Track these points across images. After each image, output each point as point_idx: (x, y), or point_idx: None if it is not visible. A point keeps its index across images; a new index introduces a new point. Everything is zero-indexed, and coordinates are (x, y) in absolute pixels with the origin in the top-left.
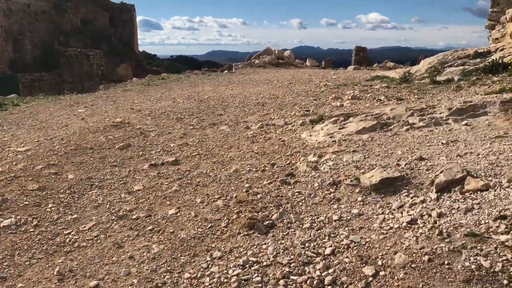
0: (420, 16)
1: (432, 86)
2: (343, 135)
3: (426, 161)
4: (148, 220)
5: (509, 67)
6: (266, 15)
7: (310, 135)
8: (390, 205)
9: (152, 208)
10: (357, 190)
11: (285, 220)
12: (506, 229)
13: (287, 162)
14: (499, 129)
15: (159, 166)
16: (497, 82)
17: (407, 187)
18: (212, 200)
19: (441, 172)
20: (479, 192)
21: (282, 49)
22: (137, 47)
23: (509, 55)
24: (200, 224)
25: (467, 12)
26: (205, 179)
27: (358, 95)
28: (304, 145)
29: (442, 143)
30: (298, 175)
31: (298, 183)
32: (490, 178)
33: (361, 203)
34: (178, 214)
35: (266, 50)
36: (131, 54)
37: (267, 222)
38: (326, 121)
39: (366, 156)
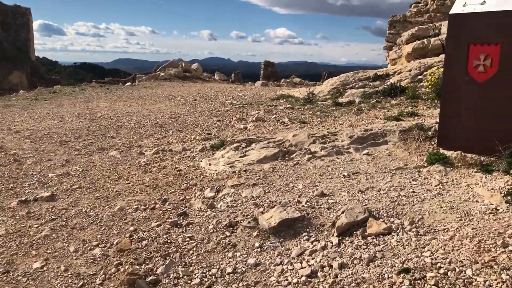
0: (324, 33)
1: (334, 108)
2: (244, 164)
3: (327, 197)
4: (5, 278)
5: (406, 91)
6: (175, 25)
7: (210, 164)
8: (290, 252)
9: (13, 260)
10: (254, 234)
11: (171, 275)
12: (410, 286)
13: (181, 198)
14: (399, 159)
15: (31, 202)
16: (396, 106)
17: (307, 229)
18: (88, 248)
19: (343, 212)
20: (381, 236)
21: (192, 60)
22: (33, 53)
23: (405, 79)
24: (70, 281)
25: (366, 31)
26: (84, 219)
27: (263, 117)
28: (202, 176)
29: (343, 175)
30: (192, 214)
31: (191, 225)
32: (392, 219)
33: (259, 249)
34: (45, 268)
35: (172, 63)
36: (25, 60)
37: (151, 277)
38: (228, 147)
39: (267, 191)
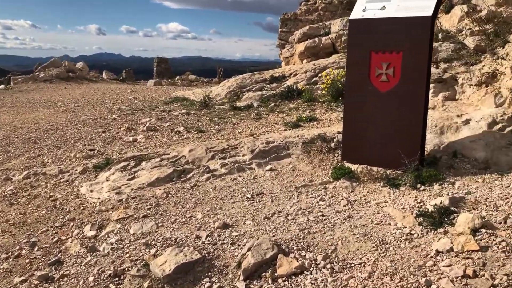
0: (217, 28)
1: (232, 113)
2: (132, 189)
3: (230, 229)
4: None
5: (303, 94)
6: (59, 19)
7: (92, 190)
8: None
9: None
10: (146, 285)
11: None
12: None
13: (55, 239)
14: (304, 174)
15: None
16: (294, 110)
17: (209, 273)
18: None
19: (249, 249)
20: (293, 277)
21: (80, 56)
22: None
23: (301, 81)
24: None
25: (258, 27)
26: None
27: (155, 125)
28: (82, 207)
29: (247, 197)
30: (67, 262)
31: (66, 278)
32: (304, 253)
33: None
34: None
35: (54, 62)
36: None
37: None
38: (114, 167)
39: (160, 224)
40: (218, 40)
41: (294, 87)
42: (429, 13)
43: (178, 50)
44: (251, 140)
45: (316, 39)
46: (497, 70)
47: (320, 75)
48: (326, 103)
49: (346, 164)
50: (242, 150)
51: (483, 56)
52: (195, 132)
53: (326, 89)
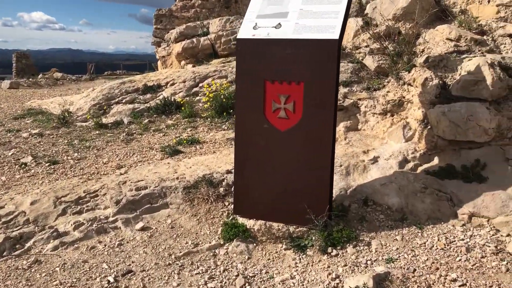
0: (88, 19)
1: (97, 132)
2: None
3: None
4: None
5: (182, 108)
6: None
7: None
8: None
9: None
10: None
11: None
12: None
13: None
14: (187, 234)
15: None
16: (172, 127)
17: None
18: None
19: None
20: None
21: None
22: None
23: (180, 91)
24: None
25: (132, 19)
26: None
27: None
28: None
29: (108, 281)
30: None
31: None
32: None
33: None
34: None
35: None
36: None
37: None
38: None
39: None
40: (89, 31)
41: (172, 99)
42: (336, 35)
43: (45, 41)
44: (116, 184)
45: (194, 40)
46: (404, 97)
47: (201, 85)
48: (209, 119)
49: (240, 220)
50: (104, 200)
51: (386, 80)
52: (46, 165)
53: (208, 103)
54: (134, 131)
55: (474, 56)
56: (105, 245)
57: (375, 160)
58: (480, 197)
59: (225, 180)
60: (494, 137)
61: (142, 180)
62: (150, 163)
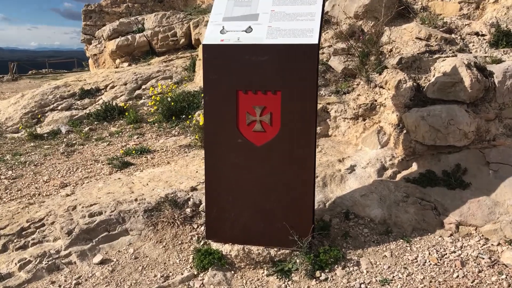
0: (5, 14)
1: (33, 145)
2: None
3: None
4: None
5: (126, 113)
6: None
7: None
8: None
9: None
10: None
11: None
12: None
13: None
14: (154, 265)
15: None
16: (117, 135)
17: None
18: None
19: None
20: None
21: None
22: None
23: (121, 95)
24: None
25: (56, 14)
26: None
27: None
28: None
29: None
30: None
31: None
32: None
33: None
34: None
35: None
36: None
37: None
38: None
39: None
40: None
41: (114, 103)
42: (314, 39)
43: None
44: (64, 210)
45: (129, 37)
46: (376, 101)
47: (144, 87)
48: (156, 124)
49: (214, 245)
50: (53, 230)
51: (355, 83)
52: None
53: (155, 107)
54: (74, 142)
55: (447, 56)
56: (59, 286)
57: (352, 169)
58: (465, 205)
59: (191, 199)
60: (473, 140)
61: (96, 204)
62: (99, 179)
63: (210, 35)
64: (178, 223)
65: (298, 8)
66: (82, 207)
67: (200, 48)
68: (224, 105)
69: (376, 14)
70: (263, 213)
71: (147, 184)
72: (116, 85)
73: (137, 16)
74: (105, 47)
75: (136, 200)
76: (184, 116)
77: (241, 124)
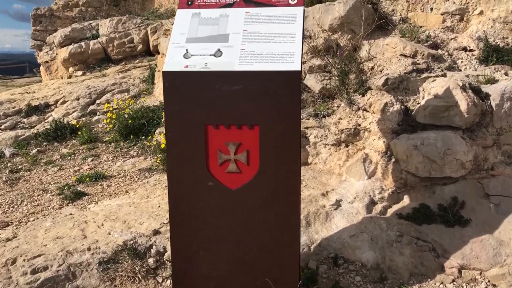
0: None
1: None
2: None
3: None
4: None
5: (79, 132)
6: None
7: None
8: None
9: None
10: None
11: None
12: None
13: None
14: None
15: None
16: (69, 157)
17: None
18: None
19: None
20: None
21: None
22: None
23: (74, 111)
24: None
25: (5, 15)
26: None
27: None
28: None
29: None
30: None
31: None
32: None
33: None
34: None
35: None
36: None
37: None
38: None
39: None
40: None
41: (65, 121)
42: (297, 65)
43: None
44: (1, 265)
45: (83, 44)
46: (359, 125)
47: (98, 101)
48: (113, 143)
49: None
50: None
51: (335, 105)
52: None
53: (111, 125)
54: (20, 167)
55: (436, 76)
56: None
57: (338, 204)
58: (467, 245)
59: (154, 246)
60: (470, 170)
61: (40, 256)
62: (47, 216)
63: (172, 60)
64: (140, 277)
65: (274, 27)
66: (24, 259)
67: (159, 58)
68: (191, 142)
69: (353, 27)
70: (242, 266)
71: (102, 225)
72: (68, 100)
73: (91, 21)
74: (57, 54)
75: (89, 249)
76: (143, 134)
77: (212, 164)
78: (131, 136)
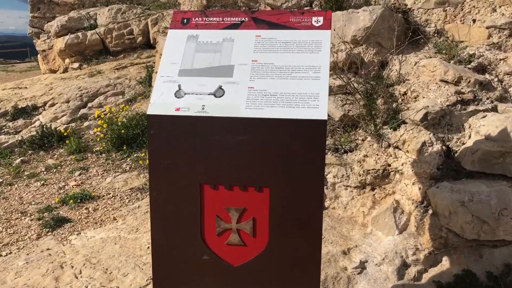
0: None
1: None
2: None
3: None
4: None
5: (67, 141)
6: None
7: None
8: None
9: None
10: None
11: None
12: None
13: None
14: None
15: None
16: (55, 170)
17: None
18: None
19: None
20: None
21: None
22: None
23: (63, 115)
24: None
25: None
26: None
27: None
28: None
29: None
30: None
31: None
32: None
33: None
34: None
35: None
36: None
37: None
38: None
39: None
40: None
41: (53, 127)
42: (322, 112)
43: None
44: None
45: (80, 34)
46: (389, 165)
47: (90, 105)
48: (104, 154)
49: None
50: None
51: (360, 137)
52: None
53: (101, 134)
54: (0, 180)
55: (486, 110)
56: None
57: (362, 266)
58: None
59: None
60: None
61: None
62: (22, 249)
63: (160, 99)
64: None
65: (293, 57)
66: None
67: (157, 58)
68: (182, 205)
69: (379, 40)
70: None
71: (80, 273)
72: (57, 103)
73: (88, 11)
74: (54, 44)
75: None
76: (137, 146)
77: (208, 233)
78: (124, 147)
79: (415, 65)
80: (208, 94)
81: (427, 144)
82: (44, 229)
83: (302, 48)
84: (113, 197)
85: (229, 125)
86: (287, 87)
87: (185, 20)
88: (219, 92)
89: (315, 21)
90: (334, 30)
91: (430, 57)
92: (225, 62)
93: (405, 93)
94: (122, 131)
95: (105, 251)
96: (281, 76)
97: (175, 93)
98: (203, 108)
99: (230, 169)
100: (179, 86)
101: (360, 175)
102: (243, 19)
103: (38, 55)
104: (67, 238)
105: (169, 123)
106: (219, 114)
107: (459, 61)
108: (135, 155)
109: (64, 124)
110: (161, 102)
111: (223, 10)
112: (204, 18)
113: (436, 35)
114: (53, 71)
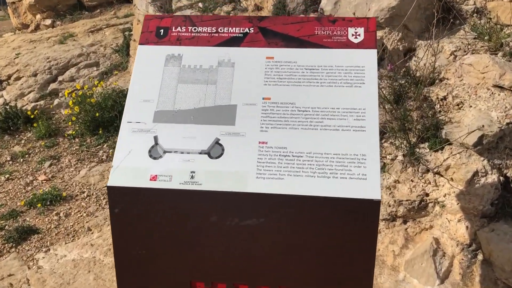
0: None
1: None
2: None
3: None
4: None
5: (35, 124)
6: None
7: None
8: None
9: None
10: None
11: None
12: None
13: None
14: None
15: None
16: (21, 160)
17: None
18: None
19: None
20: None
21: None
22: None
23: (30, 91)
24: None
25: None
26: None
27: None
28: None
29: None
30: None
31: None
32: None
33: None
34: None
35: None
36: None
37: None
38: None
39: None
40: None
41: (18, 106)
42: (374, 188)
43: None
44: None
45: None
46: (428, 196)
47: (61, 78)
48: (77, 139)
49: None
50: None
51: (389, 156)
52: None
53: (74, 118)
54: None
55: None
56: None
57: None
58: None
59: None
60: None
61: None
62: None
63: (126, 161)
64: None
65: (323, 94)
66: None
67: (135, 24)
68: None
69: (406, 22)
70: None
71: None
72: (23, 76)
73: None
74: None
75: None
76: (114, 129)
77: None
78: (100, 131)
79: (450, 55)
80: (200, 153)
81: (479, 173)
82: (6, 245)
83: (335, 79)
84: (88, 197)
85: (231, 203)
86: (317, 143)
87: (162, 30)
88: (215, 150)
89: (352, 35)
90: (349, 6)
91: (476, 52)
92: (223, 100)
93: (444, 98)
94: (97, 114)
95: (77, 280)
96: (307, 125)
97: (149, 151)
98: (192, 177)
99: (232, 263)
100: (155, 138)
101: (389, 206)
102: (247, 30)
103: (8, 8)
104: (34, 257)
105: (142, 200)
106: (217, 187)
107: (510, 53)
108: (113, 140)
109: (31, 102)
110: (128, 166)
111: (217, 15)
112: (190, 28)
113: (474, 15)
114: (25, 26)
